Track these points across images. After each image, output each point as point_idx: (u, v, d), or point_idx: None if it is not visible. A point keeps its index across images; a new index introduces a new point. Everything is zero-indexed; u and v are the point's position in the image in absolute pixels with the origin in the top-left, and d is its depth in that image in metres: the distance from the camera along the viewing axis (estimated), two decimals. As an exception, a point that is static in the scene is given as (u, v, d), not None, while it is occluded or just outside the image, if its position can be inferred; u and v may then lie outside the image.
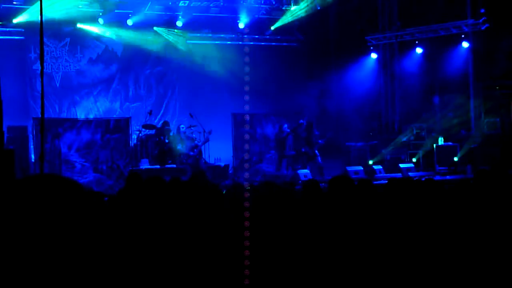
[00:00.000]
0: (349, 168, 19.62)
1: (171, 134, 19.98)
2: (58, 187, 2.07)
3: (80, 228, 2.04)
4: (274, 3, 23.28)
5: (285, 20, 23.65)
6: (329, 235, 4.79)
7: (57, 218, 1.99)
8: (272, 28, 23.88)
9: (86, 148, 19.09)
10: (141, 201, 4.72)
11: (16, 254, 1.96)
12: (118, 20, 21.82)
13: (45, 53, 13.16)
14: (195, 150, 19.65)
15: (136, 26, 22.09)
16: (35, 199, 2.01)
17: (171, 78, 23.32)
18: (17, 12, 20.43)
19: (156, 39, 22.79)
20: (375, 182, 15.74)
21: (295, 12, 23.51)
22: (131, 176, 7.60)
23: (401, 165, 20.15)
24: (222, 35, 23.67)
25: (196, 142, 19.84)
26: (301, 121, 20.67)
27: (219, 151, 21.21)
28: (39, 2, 10.06)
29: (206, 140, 19.93)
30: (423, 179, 9.27)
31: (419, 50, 22.91)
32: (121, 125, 19.76)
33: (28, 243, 1.97)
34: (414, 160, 21.24)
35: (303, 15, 23.55)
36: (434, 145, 21.18)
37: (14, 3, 20.27)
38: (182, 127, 19.94)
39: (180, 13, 22.46)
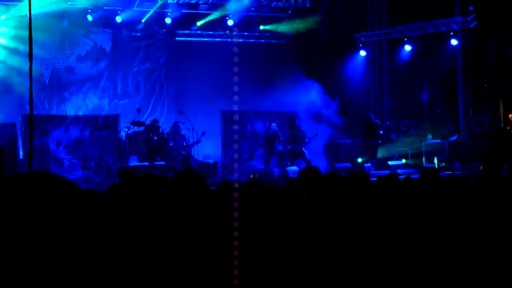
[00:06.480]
0: (338, 165, 19.64)
1: (159, 131, 19.98)
2: (48, 185, 2.05)
3: (71, 225, 2.03)
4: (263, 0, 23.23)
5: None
6: (320, 233, 4.79)
7: (48, 216, 1.98)
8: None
9: (74, 145, 19.04)
10: (136, 198, 4.72)
11: (6, 252, 1.95)
12: (107, 17, 21.75)
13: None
14: (186, 149, 19.66)
15: (125, 23, 22.05)
16: (25, 196, 1.99)
17: (159, 75, 23.28)
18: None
19: (144, 36, 22.79)
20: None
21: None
22: (125, 173, 7.57)
23: (390, 163, 20.20)
24: (210, 32, 23.62)
25: (187, 141, 19.83)
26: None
27: (208, 148, 21.20)
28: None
29: (197, 142, 19.95)
30: (413, 176, 9.28)
31: (408, 48, 22.93)
32: (110, 122, 19.73)
33: (18, 241, 1.95)
34: (403, 161, 21.20)
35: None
36: (423, 143, 21.23)
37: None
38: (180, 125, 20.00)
39: (169, 10, 22.40)
